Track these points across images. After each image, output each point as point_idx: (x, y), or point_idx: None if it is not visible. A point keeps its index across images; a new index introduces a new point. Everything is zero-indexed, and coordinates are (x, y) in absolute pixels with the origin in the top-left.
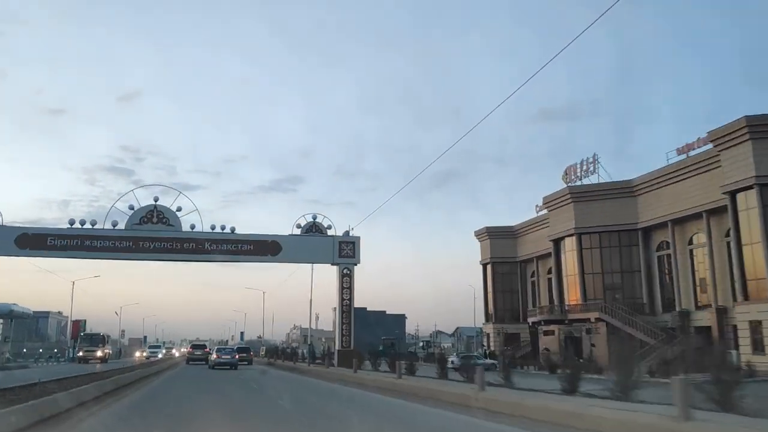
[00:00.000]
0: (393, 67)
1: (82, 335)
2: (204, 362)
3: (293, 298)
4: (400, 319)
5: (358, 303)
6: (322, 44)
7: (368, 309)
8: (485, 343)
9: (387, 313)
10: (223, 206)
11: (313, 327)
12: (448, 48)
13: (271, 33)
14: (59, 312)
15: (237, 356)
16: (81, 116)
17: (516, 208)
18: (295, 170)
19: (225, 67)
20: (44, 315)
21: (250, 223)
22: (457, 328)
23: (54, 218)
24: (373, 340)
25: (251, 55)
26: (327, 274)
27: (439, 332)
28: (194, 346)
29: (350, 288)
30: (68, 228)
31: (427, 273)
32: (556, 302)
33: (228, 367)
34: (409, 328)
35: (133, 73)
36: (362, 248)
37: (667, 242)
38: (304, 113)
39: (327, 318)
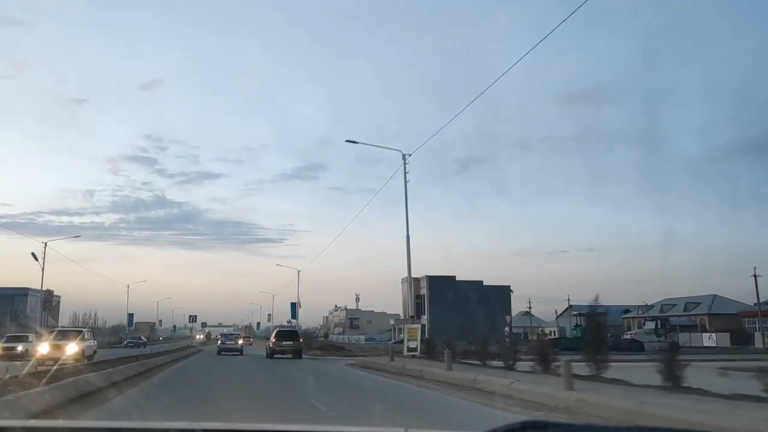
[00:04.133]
0: (415, 52)
1: None
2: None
3: (328, 277)
4: (504, 291)
5: (437, 270)
6: (344, 30)
7: (458, 278)
8: None
9: (485, 284)
10: (245, 194)
11: (352, 307)
12: (471, 31)
13: (292, 20)
14: (48, 290)
15: (240, 342)
16: (103, 106)
17: (537, 194)
18: (317, 157)
19: (246, 54)
20: (21, 292)
21: (270, 211)
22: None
23: (79, 208)
24: (473, 320)
25: (272, 43)
26: (374, 243)
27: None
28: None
29: None
30: None
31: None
32: None
33: (236, 352)
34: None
35: (154, 61)
36: None
37: None
38: (326, 100)
39: (372, 297)
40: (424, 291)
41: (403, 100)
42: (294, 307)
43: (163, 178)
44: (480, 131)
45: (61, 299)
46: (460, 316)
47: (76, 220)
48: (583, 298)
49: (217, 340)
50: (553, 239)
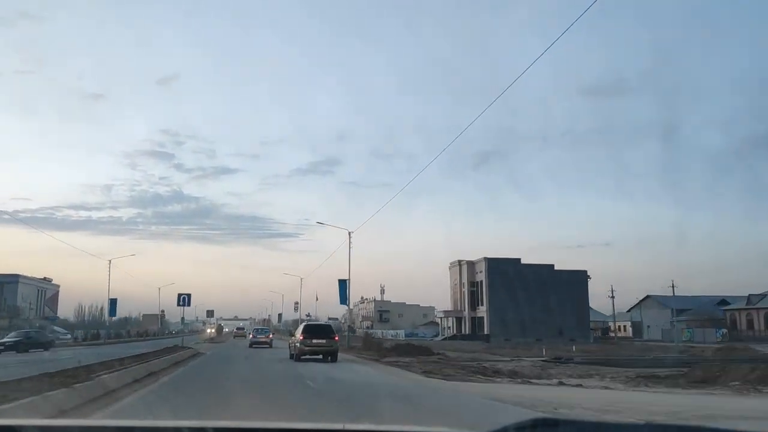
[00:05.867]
0: (432, 45)
1: None
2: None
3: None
4: (580, 277)
5: (499, 252)
6: (360, 23)
7: (523, 261)
8: None
9: (556, 269)
10: (261, 189)
11: (378, 298)
12: (489, 24)
13: (309, 14)
14: (45, 278)
15: (271, 336)
16: (121, 101)
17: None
18: (333, 152)
19: (263, 48)
20: (11, 280)
21: (286, 206)
22: None
23: (97, 202)
24: (544, 310)
25: (289, 37)
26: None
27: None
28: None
29: None
30: None
31: None
32: None
33: (266, 346)
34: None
35: (171, 55)
36: None
37: None
38: (342, 94)
39: (399, 289)
40: (482, 276)
41: (420, 92)
42: (343, 286)
43: (181, 172)
44: (499, 125)
45: (60, 289)
46: (528, 306)
47: (95, 214)
48: (631, 289)
49: (250, 334)
50: (568, 233)
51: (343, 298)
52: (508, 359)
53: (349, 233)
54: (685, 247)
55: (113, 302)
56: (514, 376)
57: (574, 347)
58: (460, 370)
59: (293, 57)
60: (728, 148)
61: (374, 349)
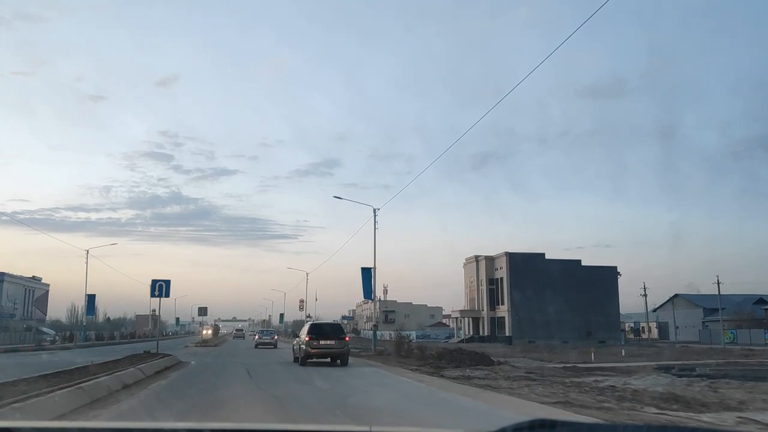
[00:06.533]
0: (432, 46)
1: None
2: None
3: (344, 273)
4: (609, 273)
5: (520, 246)
6: (360, 23)
7: (547, 256)
8: None
9: (584, 264)
10: (260, 191)
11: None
12: (489, 25)
13: (309, 13)
14: (34, 277)
15: (276, 337)
16: (120, 102)
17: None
18: (332, 153)
19: (261, 49)
20: None
21: (285, 207)
22: None
23: (96, 204)
24: (571, 309)
25: (289, 37)
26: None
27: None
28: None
29: None
30: None
31: None
32: None
33: (271, 346)
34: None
35: (170, 56)
36: None
37: None
38: (341, 95)
39: (404, 290)
40: (502, 273)
41: (419, 93)
42: (367, 276)
43: (179, 174)
44: (498, 125)
45: (50, 288)
46: (553, 305)
47: (93, 216)
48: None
49: (255, 336)
50: (569, 234)
51: (368, 291)
52: (560, 365)
53: (375, 210)
54: (688, 247)
55: (91, 299)
56: (673, 401)
57: (623, 351)
58: (596, 395)
59: (293, 57)
60: (726, 149)
61: (414, 357)
